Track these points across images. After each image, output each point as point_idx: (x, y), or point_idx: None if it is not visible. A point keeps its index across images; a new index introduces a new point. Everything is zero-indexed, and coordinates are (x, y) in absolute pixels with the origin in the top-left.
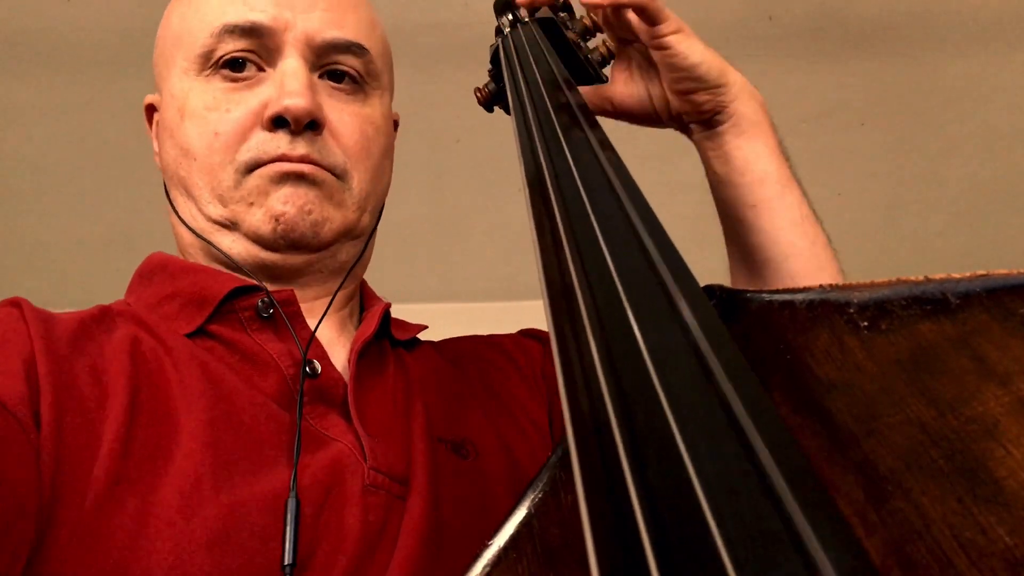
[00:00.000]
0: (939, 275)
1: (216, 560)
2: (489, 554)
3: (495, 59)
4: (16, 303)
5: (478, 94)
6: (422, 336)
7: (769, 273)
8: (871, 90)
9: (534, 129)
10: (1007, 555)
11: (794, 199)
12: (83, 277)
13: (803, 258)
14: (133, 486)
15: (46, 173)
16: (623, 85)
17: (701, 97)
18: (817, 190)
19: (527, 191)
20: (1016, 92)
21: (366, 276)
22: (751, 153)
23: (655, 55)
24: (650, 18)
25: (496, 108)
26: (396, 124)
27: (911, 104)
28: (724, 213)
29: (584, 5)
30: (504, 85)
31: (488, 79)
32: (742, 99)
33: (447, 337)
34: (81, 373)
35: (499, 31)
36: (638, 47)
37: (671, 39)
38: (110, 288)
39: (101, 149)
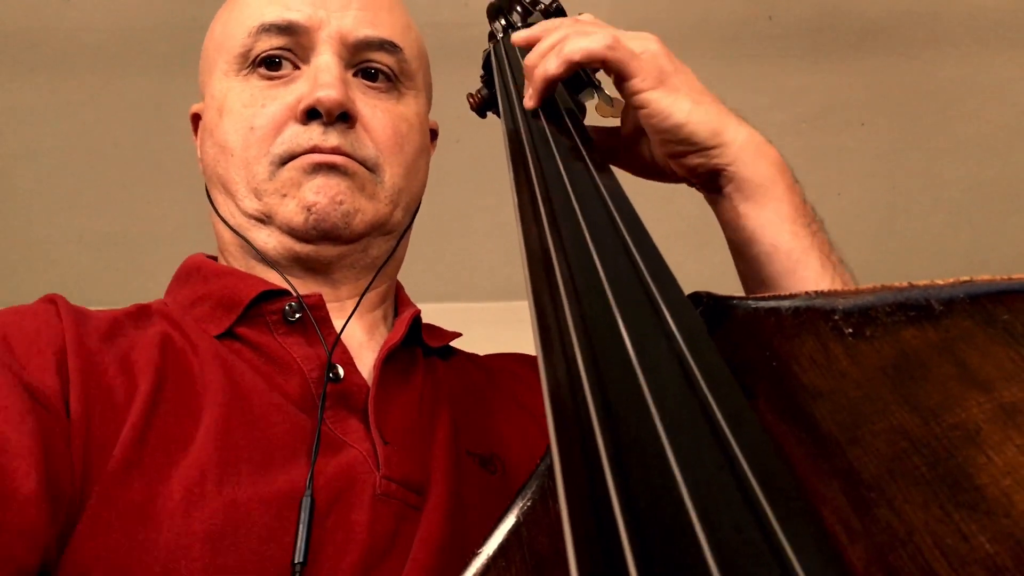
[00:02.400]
0: (923, 281)
1: (214, 555)
2: (478, 563)
3: (487, 64)
4: (52, 300)
5: (471, 100)
6: (459, 345)
7: None
8: (871, 90)
9: (524, 135)
10: (988, 562)
11: (810, 274)
12: (84, 275)
13: None
14: (144, 474)
15: (46, 172)
16: (627, 142)
17: (693, 160)
18: (817, 190)
19: (516, 198)
20: (1016, 92)
21: None
22: (757, 222)
23: (637, 113)
24: (617, 73)
25: (489, 114)
26: (435, 133)
27: (911, 104)
28: (740, 277)
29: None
30: (496, 90)
31: (480, 85)
32: (743, 160)
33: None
34: (110, 365)
35: (492, 36)
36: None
37: (646, 97)
38: (111, 286)
39: (101, 148)
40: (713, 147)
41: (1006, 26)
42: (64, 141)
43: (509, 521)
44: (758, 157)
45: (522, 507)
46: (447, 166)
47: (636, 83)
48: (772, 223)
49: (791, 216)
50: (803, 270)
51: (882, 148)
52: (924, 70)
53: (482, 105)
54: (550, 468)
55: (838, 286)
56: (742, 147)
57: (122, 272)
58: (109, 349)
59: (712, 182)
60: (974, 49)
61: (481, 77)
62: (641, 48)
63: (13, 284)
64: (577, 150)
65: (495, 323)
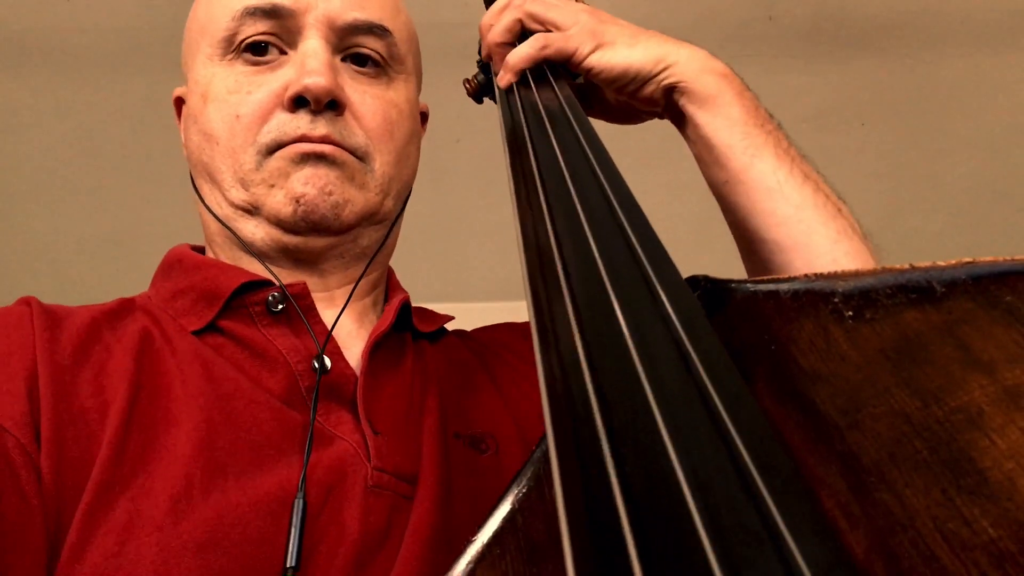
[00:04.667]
0: (924, 263)
1: (206, 564)
2: (473, 551)
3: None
4: (27, 302)
5: (467, 86)
6: (451, 326)
7: (758, 247)
8: (871, 90)
9: (520, 120)
10: (991, 547)
11: (766, 166)
12: (83, 277)
13: (788, 225)
14: (124, 490)
15: (46, 173)
16: (594, 95)
17: (647, 90)
18: None
19: (512, 183)
20: (1016, 92)
21: None
22: (710, 128)
23: (589, 77)
24: (559, 57)
25: (486, 100)
26: (425, 116)
27: (911, 104)
28: (713, 192)
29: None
30: (492, 76)
31: (477, 71)
32: (689, 75)
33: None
34: (83, 384)
35: None
36: None
37: (591, 61)
38: (110, 288)
39: (101, 149)
40: (659, 72)
41: (1006, 26)
42: (64, 141)
43: (504, 508)
44: (703, 71)
45: (517, 494)
46: (447, 166)
47: (577, 56)
48: (724, 126)
49: (742, 119)
50: (759, 162)
51: (882, 148)
52: (924, 70)
53: (479, 91)
54: (546, 454)
55: (796, 175)
56: (686, 64)
57: (122, 272)
58: (83, 366)
59: (670, 103)
60: (974, 49)
61: (477, 63)
62: (572, 21)
63: (13, 284)
64: (573, 134)
65: (495, 323)
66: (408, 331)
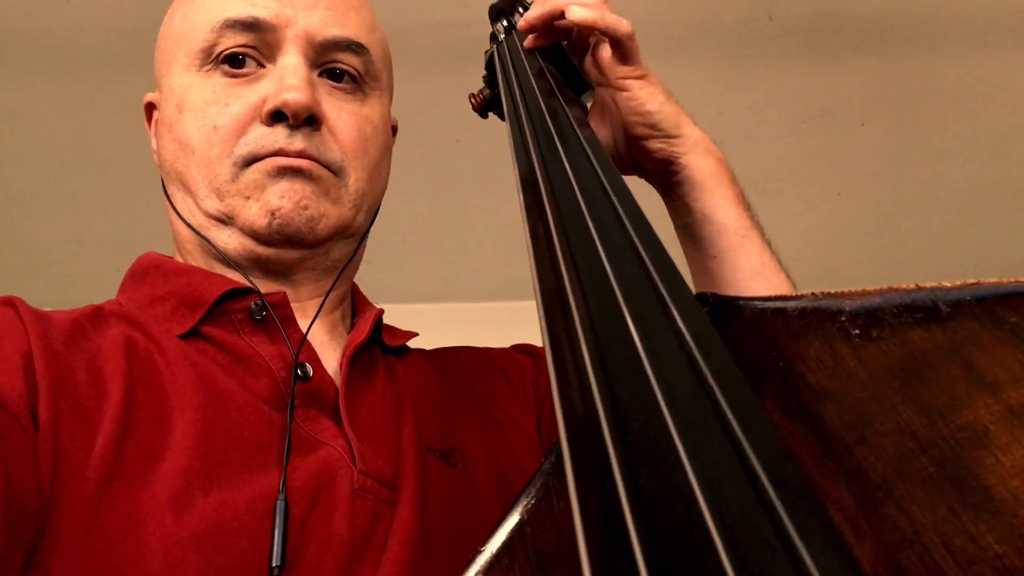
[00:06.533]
0: (930, 283)
1: (206, 559)
2: (482, 560)
3: (490, 65)
4: (11, 302)
5: (472, 100)
6: (412, 344)
7: None
8: (871, 90)
9: (529, 136)
10: (996, 563)
11: (754, 248)
12: (83, 277)
13: None
14: (126, 485)
15: (46, 173)
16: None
17: (655, 145)
18: (817, 190)
19: (522, 197)
20: (1016, 92)
21: (365, 275)
22: (708, 206)
23: (616, 95)
24: (622, 55)
25: (490, 114)
26: (395, 129)
27: (911, 104)
28: (689, 262)
29: (572, 23)
30: (499, 91)
31: (483, 85)
32: (696, 152)
33: (442, 339)
34: (78, 371)
35: (493, 37)
36: (605, 92)
37: (633, 82)
38: (110, 288)
39: (101, 149)
40: (674, 136)
41: (1006, 26)
42: (64, 141)
43: (513, 519)
44: (707, 153)
45: (526, 505)
46: (447, 166)
47: (631, 70)
48: (722, 205)
49: (736, 201)
50: (748, 244)
51: (882, 148)
52: (924, 70)
53: (484, 106)
54: (555, 466)
55: (774, 260)
56: (696, 142)
57: (121, 273)
58: (75, 353)
59: (665, 170)
60: (974, 49)
61: (484, 78)
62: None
63: (13, 284)
64: (582, 151)
65: (495, 323)
66: (376, 344)
